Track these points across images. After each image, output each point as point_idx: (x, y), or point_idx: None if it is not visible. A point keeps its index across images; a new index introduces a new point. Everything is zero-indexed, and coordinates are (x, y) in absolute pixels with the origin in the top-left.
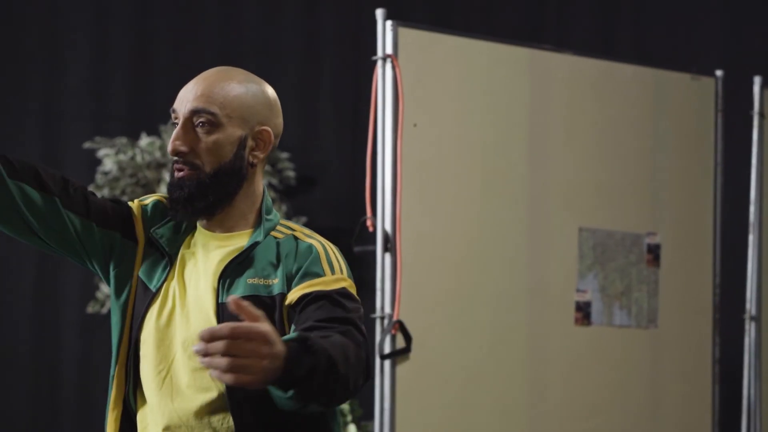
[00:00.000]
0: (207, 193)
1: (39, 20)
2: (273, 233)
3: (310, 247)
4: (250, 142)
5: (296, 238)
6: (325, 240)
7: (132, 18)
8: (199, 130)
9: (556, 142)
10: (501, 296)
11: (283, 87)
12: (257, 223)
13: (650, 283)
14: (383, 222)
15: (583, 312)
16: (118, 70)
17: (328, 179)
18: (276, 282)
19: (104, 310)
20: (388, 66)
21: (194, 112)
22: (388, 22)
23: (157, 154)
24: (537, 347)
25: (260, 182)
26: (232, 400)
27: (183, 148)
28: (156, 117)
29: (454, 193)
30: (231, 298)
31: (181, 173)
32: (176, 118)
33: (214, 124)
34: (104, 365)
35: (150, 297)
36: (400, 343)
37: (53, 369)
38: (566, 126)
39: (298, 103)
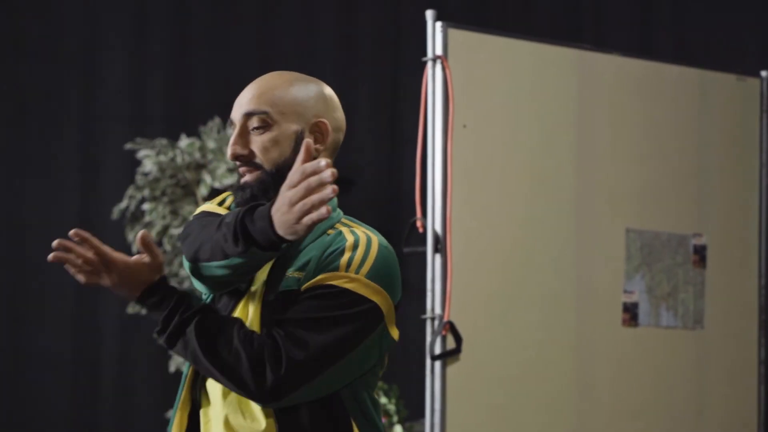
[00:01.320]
0: (269, 190)
1: (77, 22)
2: (329, 231)
3: (343, 240)
4: (308, 136)
5: (341, 233)
6: (371, 236)
7: (170, 19)
8: (254, 132)
9: (603, 143)
10: (549, 297)
11: None
12: None
13: (696, 284)
14: (433, 223)
15: (631, 313)
16: (157, 71)
17: (366, 180)
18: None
19: (144, 311)
20: (438, 67)
21: (248, 115)
22: (438, 24)
23: (197, 155)
24: (584, 348)
25: None
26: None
27: (242, 151)
28: (195, 118)
29: (502, 193)
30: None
31: (244, 178)
32: (233, 127)
33: (267, 123)
34: (144, 366)
35: (232, 305)
36: (450, 344)
37: (93, 369)
38: (613, 127)
39: None
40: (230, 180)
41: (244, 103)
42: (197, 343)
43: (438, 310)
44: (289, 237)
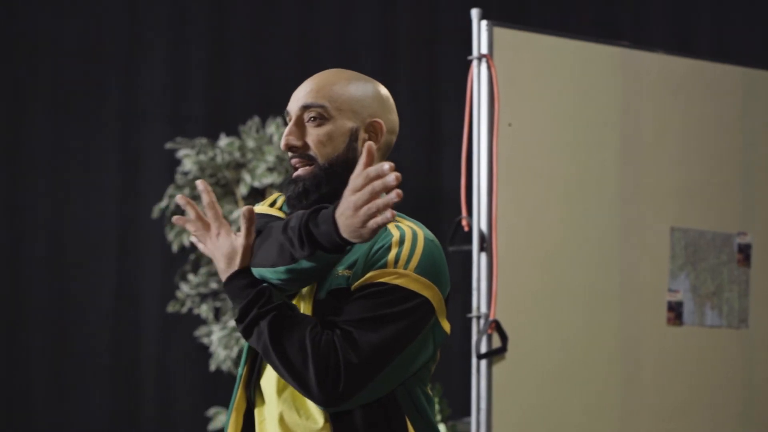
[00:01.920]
0: (321, 184)
1: (118, 22)
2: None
3: (389, 236)
4: (362, 134)
5: (386, 228)
6: (416, 230)
7: (209, 18)
8: (310, 124)
9: (647, 141)
10: (593, 296)
11: None
12: None
13: (741, 283)
14: (479, 221)
15: (675, 312)
16: (196, 71)
17: (405, 179)
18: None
19: (184, 310)
20: (483, 66)
21: (305, 108)
22: (483, 22)
23: (236, 155)
24: (629, 347)
25: None
26: None
27: (296, 142)
28: (234, 117)
29: (547, 192)
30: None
31: (297, 171)
32: (289, 119)
33: (324, 117)
34: (184, 364)
35: None
36: (496, 342)
37: (133, 368)
38: (656, 125)
39: None
40: (270, 179)
41: (302, 95)
42: (269, 339)
43: (483, 309)
44: (354, 240)
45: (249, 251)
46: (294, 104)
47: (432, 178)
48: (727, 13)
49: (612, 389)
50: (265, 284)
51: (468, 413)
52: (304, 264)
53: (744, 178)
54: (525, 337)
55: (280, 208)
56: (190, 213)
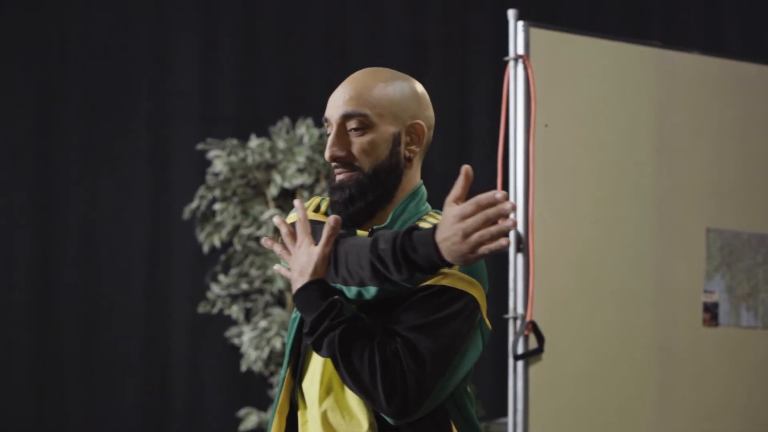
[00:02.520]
0: (367, 192)
1: (148, 24)
2: (420, 223)
3: (430, 225)
4: (404, 138)
5: (427, 221)
6: None
7: (239, 19)
8: (352, 133)
9: (683, 142)
10: (629, 297)
11: None
12: (392, 216)
13: None
14: (516, 223)
15: (711, 313)
16: (226, 71)
17: (432, 180)
18: None
19: (215, 311)
20: (520, 66)
21: (346, 117)
22: (520, 23)
23: (267, 155)
24: (665, 348)
25: (417, 175)
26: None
27: (340, 153)
28: (264, 118)
29: (583, 193)
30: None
31: (341, 176)
32: (329, 126)
33: (367, 125)
34: (214, 365)
35: None
36: (533, 343)
37: (164, 368)
38: (692, 126)
39: None
40: (300, 180)
41: (341, 103)
42: (339, 352)
43: (520, 310)
44: (458, 264)
45: (326, 261)
46: (333, 111)
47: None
48: (758, 13)
49: (647, 390)
50: (336, 296)
51: (501, 414)
52: (393, 286)
53: None
54: (561, 338)
55: (325, 213)
56: (283, 230)
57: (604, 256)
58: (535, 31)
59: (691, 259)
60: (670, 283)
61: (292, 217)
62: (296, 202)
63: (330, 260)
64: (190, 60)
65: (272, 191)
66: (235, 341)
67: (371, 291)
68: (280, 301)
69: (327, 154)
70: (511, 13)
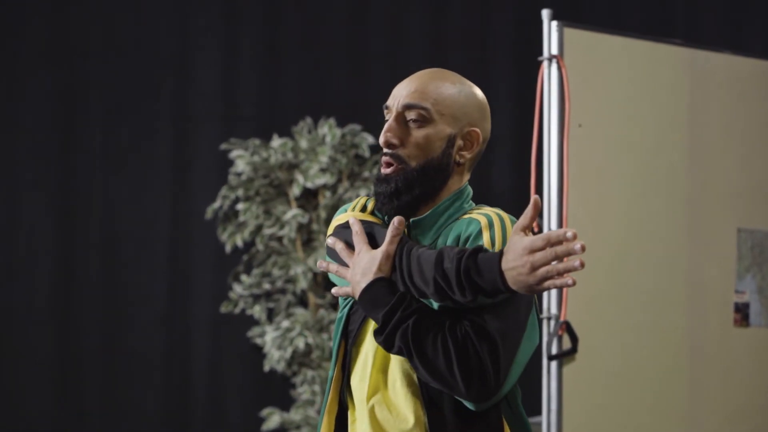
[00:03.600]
0: (413, 187)
1: (170, 23)
2: (464, 216)
3: (473, 223)
4: (458, 142)
5: (471, 216)
6: (500, 213)
7: (261, 19)
8: (411, 124)
9: (714, 142)
10: (661, 297)
11: None
12: (435, 209)
13: None
14: (549, 222)
15: (742, 313)
16: (248, 71)
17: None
18: None
19: (237, 311)
20: (554, 66)
21: (407, 107)
22: (554, 23)
23: (290, 155)
24: (696, 348)
25: (464, 181)
26: (425, 395)
27: (394, 140)
28: (286, 118)
29: (615, 193)
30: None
31: (388, 169)
32: (388, 113)
33: (425, 120)
34: (236, 365)
35: (365, 314)
36: (566, 343)
37: (185, 368)
38: (724, 126)
39: None
40: (322, 180)
41: (405, 93)
42: (413, 342)
43: (554, 310)
44: (521, 292)
45: (390, 260)
46: (396, 101)
47: (483, 178)
48: None
49: (679, 390)
50: (403, 291)
51: (535, 413)
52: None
53: None
54: (593, 338)
55: (372, 213)
56: (339, 246)
57: (637, 256)
58: (569, 31)
59: (722, 259)
60: (701, 283)
61: (339, 219)
62: (351, 219)
63: (395, 269)
64: (212, 60)
65: (295, 191)
66: (258, 341)
67: (434, 304)
68: (302, 301)
69: (381, 140)
70: (545, 13)
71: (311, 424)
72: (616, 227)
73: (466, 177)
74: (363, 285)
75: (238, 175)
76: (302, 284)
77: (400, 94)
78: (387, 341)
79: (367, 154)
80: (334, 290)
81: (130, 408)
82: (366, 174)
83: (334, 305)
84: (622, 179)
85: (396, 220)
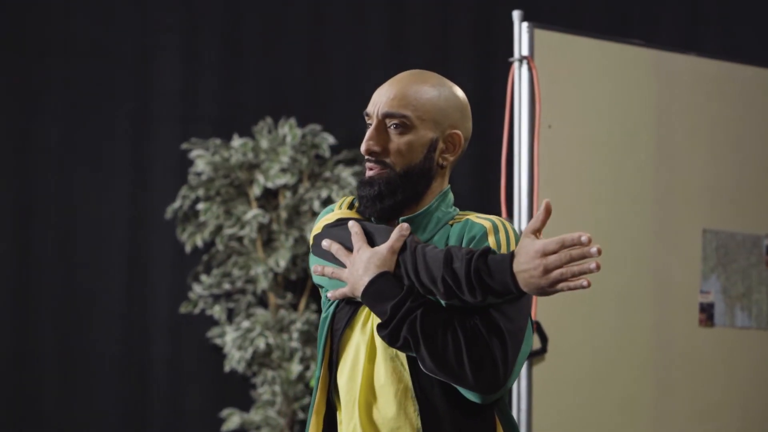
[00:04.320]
0: (396, 191)
1: (130, 23)
2: (450, 222)
3: (480, 226)
4: (440, 145)
5: (469, 220)
6: (500, 219)
7: (221, 19)
8: (392, 131)
9: (681, 143)
10: (629, 297)
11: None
12: (428, 208)
13: None
14: (519, 224)
15: (707, 313)
16: (208, 71)
17: None
18: None
19: (196, 311)
20: (524, 68)
21: (387, 115)
22: (524, 24)
23: (250, 155)
24: (664, 348)
25: (446, 181)
26: (418, 394)
27: (376, 148)
28: (245, 118)
29: (585, 194)
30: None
31: (371, 171)
32: (370, 121)
33: (406, 126)
34: (196, 366)
35: (351, 312)
36: (536, 343)
37: (144, 369)
38: (689, 127)
39: None
40: (283, 180)
41: (385, 100)
42: (421, 333)
43: None
44: (532, 294)
45: (394, 255)
46: (376, 108)
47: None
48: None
49: (647, 390)
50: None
51: None
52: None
53: None
54: (562, 338)
55: (358, 211)
56: (334, 247)
57: (605, 256)
58: (540, 33)
59: (688, 259)
60: (668, 283)
61: (327, 218)
62: (351, 223)
63: (400, 265)
64: (171, 59)
65: (255, 191)
66: (217, 341)
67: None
68: (262, 301)
69: (363, 147)
70: (516, 15)
71: (271, 425)
72: (585, 227)
73: (448, 175)
74: (366, 279)
75: (198, 174)
76: (263, 284)
77: (380, 101)
78: (393, 333)
79: (327, 154)
80: (329, 294)
81: (89, 409)
82: (327, 174)
83: (294, 306)
84: (592, 180)
85: (402, 226)
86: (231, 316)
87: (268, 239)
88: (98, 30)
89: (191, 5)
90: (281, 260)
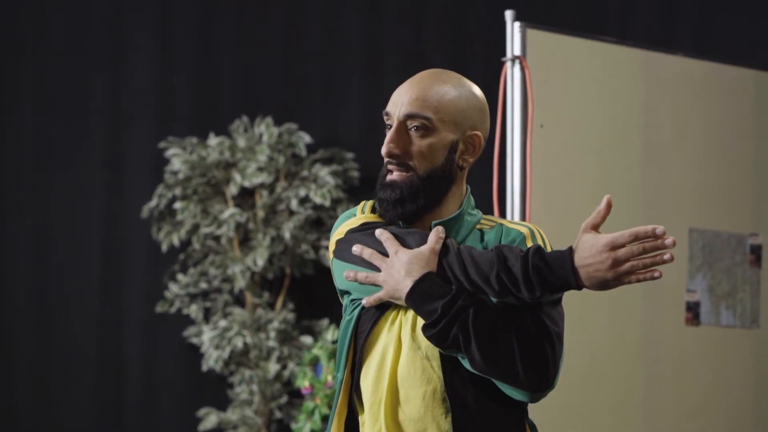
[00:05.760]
0: (418, 195)
1: (104, 22)
2: (477, 226)
3: (517, 231)
4: (461, 146)
5: (503, 226)
6: (534, 225)
7: (197, 17)
8: (412, 133)
9: (668, 143)
10: (619, 296)
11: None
12: (459, 213)
13: (753, 284)
14: None
15: (693, 312)
16: (183, 70)
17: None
18: None
19: (173, 310)
20: (517, 67)
21: (408, 116)
22: (517, 24)
23: (227, 154)
24: (651, 347)
25: (464, 184)
26: (449, 389)
27: (397, 151)
28: (221, 117)
29: (576, 193)
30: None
31: (392, 175)
32: (389, 121)
33: (428, 129)
34: (172, 365)
35: (378, 315)
36: None
37: (120, 368)
38: (676, 127)
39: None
40: (260, 179)
41: (406, 101)
42: (473, 331)
43: None
44: (593, 289)
45: (436, 256)
46: (396, 109)
47: None
48: (745, 17)
49: (635, 389)
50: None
51: None
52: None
53: (756, 180)
54: None
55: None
56: (366, 253)
57: None
58: (532, 32)
59: (676, 258)
60: (656, 282)
61: (349, 223)
62: (378, 231)
63: (443, 266)
64: (147, 58)
65: (232, 190)
66: (194, 341)
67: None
68: (239, 300)
69: (384, 150)
70: (509, 14)
71: (248, 424)
72: (577, 227)
73: (465, 178)
74: (410, 281)
75: (175, 173)
76: (240, 284)
77: (401, 101)
78: (442, 332)
79: (304, 153)
80: (364, 301)
81: (64, 408)
82: (304, 173)
83: (271, 305)
84: (583, 179)
85: (439, 229)
86: (208, 315)
87: (245, 238)
88: (73, 29)
89: (166, 4)
90: (258, 259)
